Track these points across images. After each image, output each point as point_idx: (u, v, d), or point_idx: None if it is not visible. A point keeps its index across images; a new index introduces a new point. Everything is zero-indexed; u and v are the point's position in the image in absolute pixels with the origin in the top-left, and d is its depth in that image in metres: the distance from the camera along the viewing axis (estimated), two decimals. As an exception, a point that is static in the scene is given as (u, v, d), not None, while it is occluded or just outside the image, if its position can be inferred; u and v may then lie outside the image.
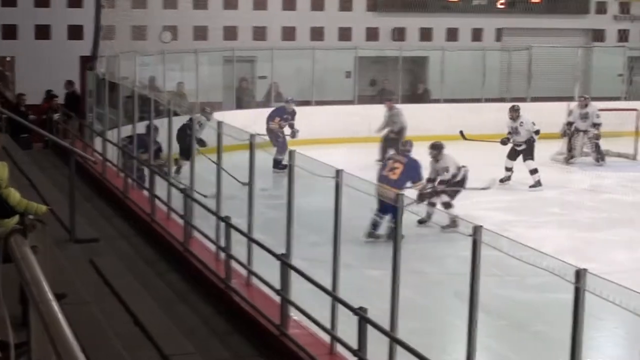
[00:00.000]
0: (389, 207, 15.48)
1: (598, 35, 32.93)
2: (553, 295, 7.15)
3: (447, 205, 17.00)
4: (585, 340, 6.65)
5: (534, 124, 21.73)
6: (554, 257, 6.89)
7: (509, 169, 21.55)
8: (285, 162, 21.34)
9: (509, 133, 21.91)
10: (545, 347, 10.98)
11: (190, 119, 21.54)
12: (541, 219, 18.42)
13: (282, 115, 23.35)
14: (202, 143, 17.98)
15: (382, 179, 16.23)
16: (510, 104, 23.47)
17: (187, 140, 21.19)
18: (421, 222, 15.93)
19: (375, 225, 15.54)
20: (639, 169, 23.88)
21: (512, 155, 21.69)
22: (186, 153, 21.50)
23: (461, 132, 23.58)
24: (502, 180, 21.04)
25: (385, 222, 15.64)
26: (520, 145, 21.67)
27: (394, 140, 22.92)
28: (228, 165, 13.92)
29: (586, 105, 24.21)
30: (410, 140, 18.58)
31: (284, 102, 23.90)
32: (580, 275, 6.50)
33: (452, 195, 17.51)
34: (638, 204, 20.01)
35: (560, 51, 30.36)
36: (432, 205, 16.87)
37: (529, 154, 21.46)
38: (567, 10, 31.77)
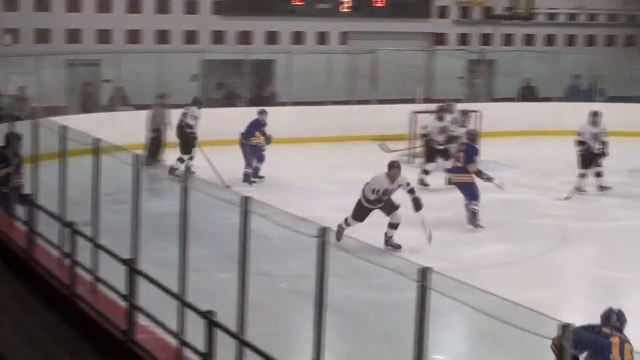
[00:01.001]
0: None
1: (440, 39, 33.49)
2: (400, 294, 7.22)
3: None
4: (431, 337, 6.73)
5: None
6: (400, 257, 6.97)
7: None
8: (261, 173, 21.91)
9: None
10: (391, 345, 11.10)
11: (184, 114, 22.55)
12: (385, 219, 18.62)
13: (260, 129, 22.89)
14: None
15: (454, 170, 19.38)
16: (357, 106, 23.76)
17: (185, 135, 22.44)
18: None
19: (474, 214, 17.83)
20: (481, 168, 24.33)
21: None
22: (186, 148, 22.51)
23: (381, 145, 23.50)
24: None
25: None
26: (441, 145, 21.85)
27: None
28: (74, 172, 13.68)
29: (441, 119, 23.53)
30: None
31: (257, 114, 23.23)
32: (424, 273, 6.57)
33: None
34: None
35: (404, 54, 30.79)
36: None
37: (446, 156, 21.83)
38: (410, 14, 32.23)
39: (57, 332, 10.89)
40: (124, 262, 10.42)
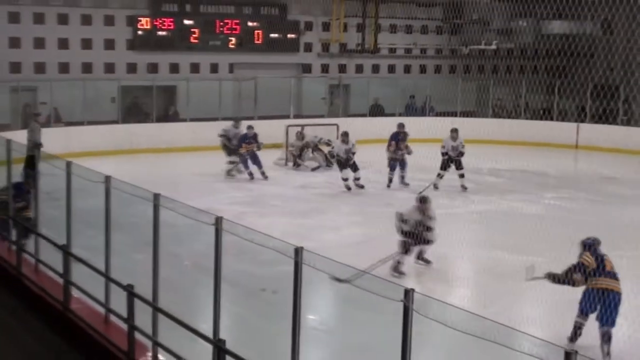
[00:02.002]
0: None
1: (306, 68, 33.59)
2: (279, 268, 7.27)
3: None
4: (304, 301, 6.79)
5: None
6: (277, 239, 7.01)
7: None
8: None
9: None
10: (274, 308, 11.15)
11: (224, 129, 23.55)
12: (268, 209, 18.69)
13: (246, 140, 22.89)
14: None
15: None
16: (242, 121, 23.78)
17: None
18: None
19: None
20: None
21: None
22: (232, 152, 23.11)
23: None
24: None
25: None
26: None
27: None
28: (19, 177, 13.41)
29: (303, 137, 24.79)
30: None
31: (246, 128, 23.20)
32: (298, 252, 6.64)
33: None
34: (339, 195, 20.62)
35: (279, 80, 30.80)
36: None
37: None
38: (282, 49, 32.27)
39: (5, 305, 10.68)
40: (60, 247, 10.29)
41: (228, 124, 24.02)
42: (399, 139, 22.25)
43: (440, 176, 21.47)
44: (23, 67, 28.07)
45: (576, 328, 10.44)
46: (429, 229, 13.97)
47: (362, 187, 21.32)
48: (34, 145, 18.83)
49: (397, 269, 13.50)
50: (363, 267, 6.20)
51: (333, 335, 11.12)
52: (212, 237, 7.52)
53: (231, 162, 23.12)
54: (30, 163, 16.45)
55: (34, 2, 28.18)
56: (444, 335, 6.11)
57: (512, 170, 23.95)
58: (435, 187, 21.12)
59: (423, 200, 14.25)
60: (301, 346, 6.79)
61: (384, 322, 6.46)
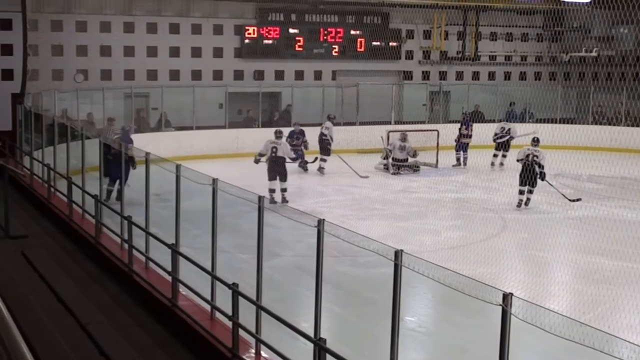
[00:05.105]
0: None
1: (407, 75, 33.46)
2: (378, 270, 7.22)
3: None
4: (403, 303, 6.73)
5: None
6: (378, 241, 6.96)
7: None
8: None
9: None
10: (373, 309, 11.11)
11: (322, 126, 24.63)
12: (368, 213, 18.64)
13: (293, 136, 23.64)
14: None
15: None
16: (344, 127, 23.93)
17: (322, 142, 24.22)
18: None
19: None
20: (439, 174, 24.38)
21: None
22: (324, 152, 24.07)
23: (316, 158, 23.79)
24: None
25: None
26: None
27: None
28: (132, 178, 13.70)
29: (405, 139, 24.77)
30: None
31: (292, 125, 24.49)
32: (397, 254, 6.58)
33: None
34: (438, 200, 20.44)
35: (380, 87, 30.80)
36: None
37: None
38: (384, 56, 32.18)
39: (117, 299, 10.89)
40: (169, 246, 10.44)
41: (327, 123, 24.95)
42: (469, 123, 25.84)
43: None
44: (136, 74, 28.69)
45: None
46: None
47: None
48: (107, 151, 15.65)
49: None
50: (464, 271, 6.08)
51: (431, 337, 11.03)
52: (313, 239, 7.50)
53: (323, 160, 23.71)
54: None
55: (148, 13, 28.81)
56: (542, 340, 5.98)
57: (612, 177, 23.34)
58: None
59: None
60: (399, 347, 6.73)
61: (482, 325, 6.35)
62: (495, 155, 25.95)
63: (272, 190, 19.02)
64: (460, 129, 26.44)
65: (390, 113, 30.23)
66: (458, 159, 25.95)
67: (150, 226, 11.61)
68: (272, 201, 18.44)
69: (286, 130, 22.90)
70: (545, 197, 20.30)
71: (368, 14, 32.11)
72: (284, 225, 9.39)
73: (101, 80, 27.80)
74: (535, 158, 19.61)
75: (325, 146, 24.24)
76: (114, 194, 17.45)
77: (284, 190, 19.27)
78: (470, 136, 26.32)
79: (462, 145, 26.17)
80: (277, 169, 19.18)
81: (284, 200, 19.08)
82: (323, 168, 23.86)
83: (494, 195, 20.92)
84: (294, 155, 20.50)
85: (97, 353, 8.80)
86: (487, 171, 24.57)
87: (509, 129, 26.05)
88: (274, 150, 19.33)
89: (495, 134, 26.13)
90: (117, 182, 17.00)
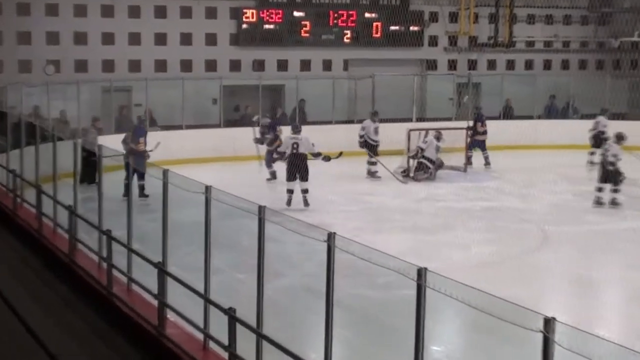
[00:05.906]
0: None
1: (431, 64, 33.47)
2: (399, 292, 7.20)
3: None
4: (427, 330, 6.71)
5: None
6: (398, 258, 6.94)
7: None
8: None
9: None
10: (393, 337, 11.08)
11: (362, 127, 25.00)
12: (386, 225, 18.60)
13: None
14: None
15: None
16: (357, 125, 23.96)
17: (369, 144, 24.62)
18: None
19: None
20: (469, 180, 24.33)
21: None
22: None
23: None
24: None
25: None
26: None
27: None
28: (108, 183, 13.69)
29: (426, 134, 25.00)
30: None
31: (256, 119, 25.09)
32: (421, 273, 6.56)
33: None
34: (468, 209, 20.39)
35: (399, 79, 30.82)
36: None
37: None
38: (404, 43, 32.19)
39: (94, 327, 10.88)
40: (155, 264, 10.43)
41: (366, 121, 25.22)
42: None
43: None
44: (117, 65, 28.77)
45: None
46: None
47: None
48: (88, 155, 16.77)
49: None
50: (498, 292, 6.06)
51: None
52: (323, 256, 7.49)
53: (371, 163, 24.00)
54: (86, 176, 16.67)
55: (129, -6, 28.93)
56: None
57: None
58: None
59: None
60: (424, 381, 6.71)
61: (520, 355, 6.34)
62: (592, 154, 26.06)
63: (290, 191, 19.59)
64: (475, 126, 26.77)
65: (411, 108, 30.21)
66: (469, 158, 26.22)
67: (134, 242, 11.61)
68: (289, 204, 19.29)
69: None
70: (591, 205, 20.27)
71: (385, -7, 32.18)
72: (289, 240, 9.38)
73: (75, 73, 27.91)
74: (607, 152, 20.69)
75: (370, 147, 24.70)
76: (137, 191, 17.63)
77: (305, 191, 19.67)
78: (486, 132, 26.74)
79: (477, 142, 26.64)
80: (298, 167, 19.58)
81: (306, 203, 19.52)
82: (375, 172, 24.44)
83: (532, 203, 20.86)
84: (316, 151, 20.63)
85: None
86: (522, 176, 24.46)
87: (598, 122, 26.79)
88: (295, 146, 19.84)
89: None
90: (136, 176, 17.22)
